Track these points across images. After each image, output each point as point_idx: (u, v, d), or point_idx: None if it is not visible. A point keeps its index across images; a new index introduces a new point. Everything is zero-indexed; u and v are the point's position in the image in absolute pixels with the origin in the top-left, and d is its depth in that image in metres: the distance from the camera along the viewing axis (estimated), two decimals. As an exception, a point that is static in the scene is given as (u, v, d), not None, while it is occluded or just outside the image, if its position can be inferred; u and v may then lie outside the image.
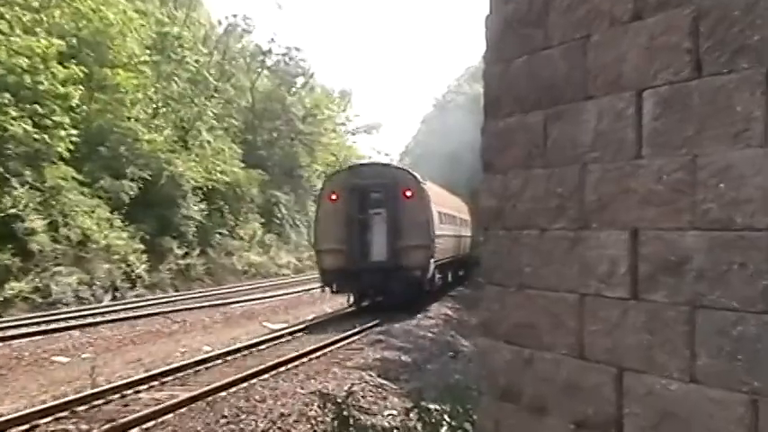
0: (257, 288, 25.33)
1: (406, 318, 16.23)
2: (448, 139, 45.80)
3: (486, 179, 3.17)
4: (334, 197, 17.34)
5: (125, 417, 7.80)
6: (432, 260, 17.56)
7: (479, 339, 3.03)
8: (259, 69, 42.49)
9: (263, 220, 34.68)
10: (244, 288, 25.26)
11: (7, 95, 18.85)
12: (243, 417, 7.81)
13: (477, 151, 3.21)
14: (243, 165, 33.15)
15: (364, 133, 60.89)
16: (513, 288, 2.74)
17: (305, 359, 11.32)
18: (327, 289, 17.58)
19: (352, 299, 18.00)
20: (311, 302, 21.21)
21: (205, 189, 28.45)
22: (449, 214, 21.20)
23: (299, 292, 23.44)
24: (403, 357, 11.51)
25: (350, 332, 13.99)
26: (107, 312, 17.27)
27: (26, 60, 19.60)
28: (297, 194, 42.86)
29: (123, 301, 20.10)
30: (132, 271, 22.29)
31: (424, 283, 17.49)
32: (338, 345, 12.69)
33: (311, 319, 16.56)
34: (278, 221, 37.26)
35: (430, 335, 14.11)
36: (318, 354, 11.82)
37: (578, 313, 2.41)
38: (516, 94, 2.81)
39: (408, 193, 17.33)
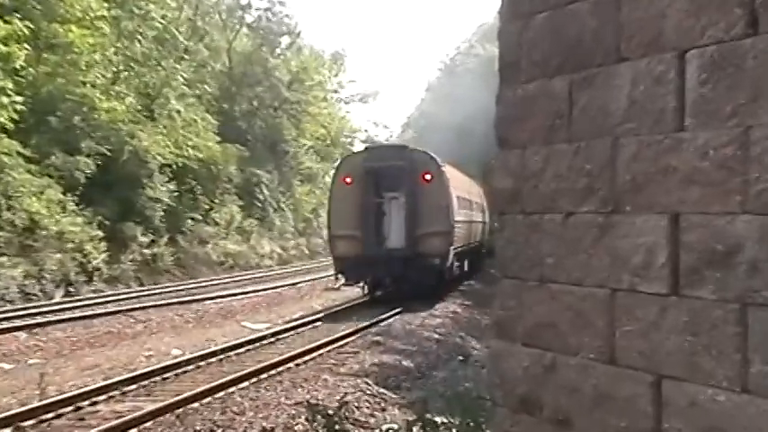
0: (235, 282, 25.43)
1: (426, 307, 17.54)
2: (457, 108, 45.81)
3: (502, 155, 3.15)
4: (348, 180, 18.90)
5: (80, 433, 8.12)
6: (451, 248, 19.04)
7: (493, 341, 3.05)
8: (237, 27, 42.25)
9: (241, 203, 34.82)
10: (220, 282, 25.38)
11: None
12: (218, 432, 8.24)
13: (491, 123, 3.20)
14: (218, 139, 33.18)
15: (359, 102, 60.80)
16: (532, 282, 2.75)
17: (291, 364, 11.30)
18: (341, 278, 19.27)
19: (366, 288, 19.55)
20: (297, 298, 21.32)
21: (174, 167, 28.44)
22: (464, 198, 22.19)
23: (284, 286, 23.63)
24: (404, 362, 11.55)
25: (346, 331, 14.03)
26: (59, 311, 17.15)
27: (-44, 14, 20.06)
28: (281, 173, 42.80)
29: (78, 298, 19.94)
30: (89, 262, 22.22)
31: (443, 271, 18.97)
32: (329, 347, 12.69)
33: (298, 318, 16.50)
34: (259, 204, 37.38)
35: (436, 336, 14.11)
36: (307, 358, 11.81)
37: (609, 311, 2.42)
38: (537, 55, 2.80)
39: (428, 177, 18.80)
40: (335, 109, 55.36)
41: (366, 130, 62.04)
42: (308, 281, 25.56)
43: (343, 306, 18.57)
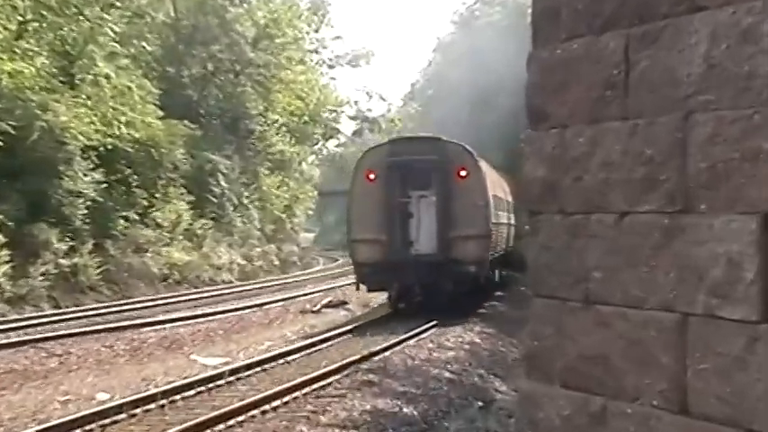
0: (183, 302, 25.37)
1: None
2: (475, 74, 45.95)
3: (535, 137, 3.11)
4: (371, 177, 20.91)
5: None
6: (489, 254, 21.35)
7: (523, 382, 3.07)
8: (185, -37, 45.50)
9: (192, 199, 34.69)
10: (162, 302, 25.26)
11: None
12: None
13: (520, 93, 3.18)
14: (161, 113, 32.99)
15: (348, 66, 60.54)
16: (574, 303, 2.80)
17: (255, 412, 11.25)
18: (363, 287, 21.56)
19: (391, 298, 21.71)
20: (265, 324, 21.18)
21: (102, 150, 28.25)
22: (498, 196, 24.21)
23: (247, 308, 23.60)
24: (406, 409, 11.47)
25: (328, 368, 14.00)
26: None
27: None
28: (245, 159, 42.71)
29: (-30, 324, 21.71)
30: (-15, 277, 23.79)
31: (479, 279, 21.14)
32: (306, 389, 12.60)
33: (266, 348, 16.52)
34: (215, 200, 37.33)
35: (447, 374, 14.06)
36: (277, 403, 11.75)
37: (678, 343, 2.41)
38: (583, 4, 2.83)
39: (463, 173, 20.75)
40: (316, 75, 55.33)
41: (356, 103, 61.95)
42: (280, 301, 25.50)
43: (330, 332, 18.31)
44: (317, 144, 64.18)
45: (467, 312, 21.14)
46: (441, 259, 20.28)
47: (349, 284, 32.74)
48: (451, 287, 20.39)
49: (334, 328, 19.28)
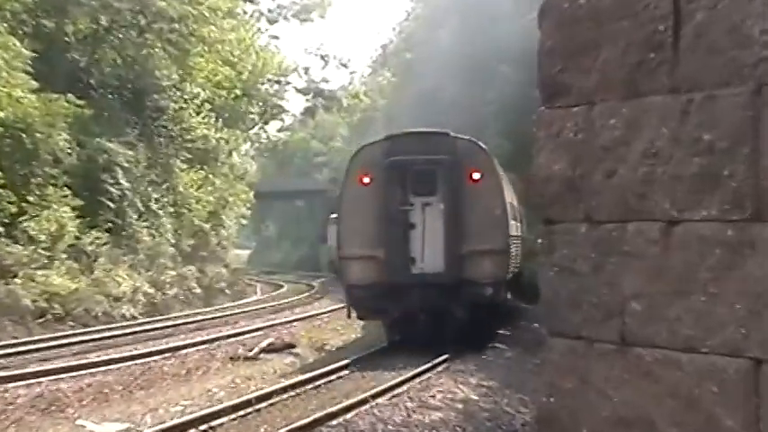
0: (67, 346, 25.12)
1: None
2: (468, 32, 46.62)
3: (550, 118, 3.20)
4: (366, 180, 22.39)
5: None
6: (507, 273, 23.08)
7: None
8: None
9: (80, 203, 34.42)
10: (37, 346, 24.83)
11: None
12: None
13: (529, 59, 3.16)
14: (35, 84, 32.93)
15: (296, 20, 60.59)
16: (605, 344, 2.86)
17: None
18: (353, 315, 23.63)
19: (389, 328, 23.53)
20: (181, 376, 20.80)
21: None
22: (511, 203, 25.71)
23: (157, 353, 23.45)
24: None
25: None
26: None
27: None
28: (153, 148, 42.99)
29: None
30: None
31: (497, 304, 23.07)
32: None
33: (182, 411, 16.12)
34: (112, 206, 37.29)
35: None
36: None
37: (748, 400, 2.39)
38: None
39: (476, 175, 22.18)
40: (251, 32, 55.63)
41: (307, 71, 61.71)
42: (202, 344, 25.37)
43: (272, 386, 17.94)
44: (253, 128, 64.62)
45: (480, 346, 22.62)
46: (450, 280, 21.71)
47: (296, 321, 32.88)
48: (463, 314, 21.78)
49: (280, 382, 18.90)
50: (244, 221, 61.13)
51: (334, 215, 66.07)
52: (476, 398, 17.99)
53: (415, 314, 22.33)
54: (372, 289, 21.76)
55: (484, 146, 23.17)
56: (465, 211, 21.86)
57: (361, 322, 27.68)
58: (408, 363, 20.71)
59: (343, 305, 39.04)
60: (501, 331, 26.61)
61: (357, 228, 22.30)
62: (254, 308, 41.41)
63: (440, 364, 20.24)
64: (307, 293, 50.87)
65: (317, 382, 19.12)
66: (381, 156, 22.51)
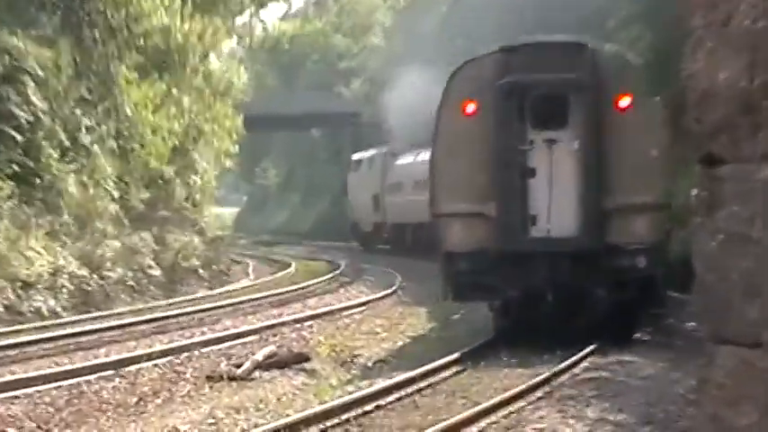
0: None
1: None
2: None
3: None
4: (470, 109, 24.30)
5: None
6: (666, 237, 23.61)
7: None
8: None
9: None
10: None
11: None
12: None
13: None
14: None
15: None
16: None
17: None
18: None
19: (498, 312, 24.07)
20: (130, 408, 19.86)
21: None
22: None
23: (94, 371, 23.67)
24: None
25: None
26: None
27: None
28: (83, 47, 41.35)
29: None
30: None
31: (657, 282, 23.94)
32: None
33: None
34: (19, 137, 36.17)
35: None
36: None
37: None
38: None
39: (624, 102, 23.87)
40: None
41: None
42: (163, 355, 25.50)
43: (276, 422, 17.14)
44: (240, 14, 65.53)
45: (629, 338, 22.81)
46: (588, 246, 23.12)
47: (310, 319, 31.67)
48: (605, 293, 23.11)
49: (287, 412, 18.54)
50: (228, 163, 61.77)
51: (398, 156, 68.71)
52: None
53: (542, 292, 23.51)
54: (479, 258, 23.26)
55: (634, 61, 23.95)
56: (609, 150, 23.20)
57: (419, 318, 28.09)
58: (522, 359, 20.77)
59: (387, 292, 40.42)
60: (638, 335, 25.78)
61: (458, 175, 23.59)
62: (244, 298, 40.31)
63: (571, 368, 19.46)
64: (328, 276, 49.77)
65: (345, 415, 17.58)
66: (492, 75, 23.69)
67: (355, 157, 72.99)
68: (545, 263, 22.25)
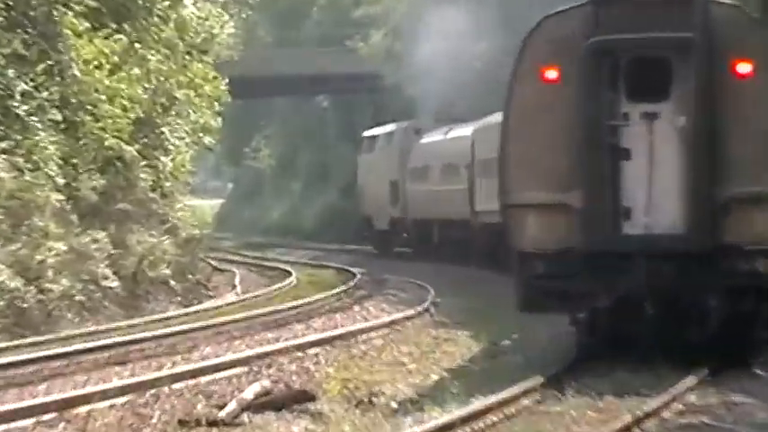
0: None
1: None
2: None
3: None
4: (551, 75, 25.06)
5: None
6: None
7: None
8: None
9: None
10: None
11: None
12: None
13: None
14: None
15: None
16: None
17: None
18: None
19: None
20: None
21: None
22: None
23: (31, 414, 22.90)
24: None
25: None
26: None
27: None
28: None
29: None
30: None
31: None
32: None
33: None
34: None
35: None
36: None
37: None
38: None
39: (744, 67, 24.41)
40: None
41: None
42: (123, 392, 24.85)
43: None
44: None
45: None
46: (696, 246, 23.56)
47: (316, 345, 31.60)
48: (718, 304, 23.36)
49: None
50: (209, 141, 61.09)
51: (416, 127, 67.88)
52: None
53: (639, 301, 23.74)
54: (559, 260, 24.11)
55: (755, 16, 22.27)
56: (724, 127, 23.56)
57: (457, 344, 27.44)
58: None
59: (417, 311, 40.06)
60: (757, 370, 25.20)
61: (535, 156, 24.36)
62: (228, 318, 41.37)
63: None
64: (338, 288, 50.52)
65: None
66: (578, 34, 24.20)
67: (368, 133, 71.79)
68: (642, 266, 22.65)
